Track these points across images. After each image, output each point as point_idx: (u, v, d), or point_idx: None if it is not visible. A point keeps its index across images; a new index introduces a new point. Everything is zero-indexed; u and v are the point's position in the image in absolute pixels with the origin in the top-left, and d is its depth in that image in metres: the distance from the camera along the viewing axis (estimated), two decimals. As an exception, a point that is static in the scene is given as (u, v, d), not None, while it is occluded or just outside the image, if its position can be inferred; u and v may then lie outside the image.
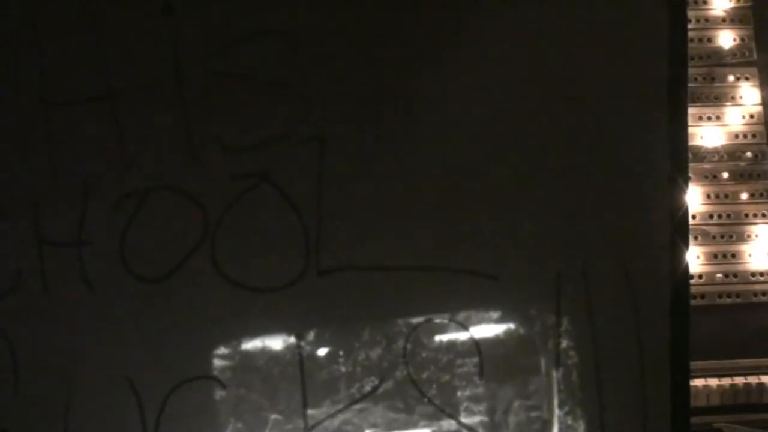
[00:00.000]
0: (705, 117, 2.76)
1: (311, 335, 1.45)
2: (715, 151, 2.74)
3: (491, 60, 1.46)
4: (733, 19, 2.80)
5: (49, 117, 1.43)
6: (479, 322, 1.45)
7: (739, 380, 2.62)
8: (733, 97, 2.78)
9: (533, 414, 1.47)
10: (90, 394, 1.43)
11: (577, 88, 1.46)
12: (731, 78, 2.78)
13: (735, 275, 2.71)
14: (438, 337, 1.45)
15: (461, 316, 1.45)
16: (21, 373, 1.43)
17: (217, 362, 1.44)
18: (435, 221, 1.45)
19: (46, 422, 1.44)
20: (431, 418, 1.46)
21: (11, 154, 1.44)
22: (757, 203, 2.74)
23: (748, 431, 2.53)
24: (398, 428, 1.46)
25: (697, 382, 2.57)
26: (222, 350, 1.44)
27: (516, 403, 1.47)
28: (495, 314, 1.46)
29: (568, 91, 1.46)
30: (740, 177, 2.75)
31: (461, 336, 1.45)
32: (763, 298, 2.70)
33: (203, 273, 1.43)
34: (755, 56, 2.78)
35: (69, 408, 1.43)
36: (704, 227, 2.71)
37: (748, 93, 2.78)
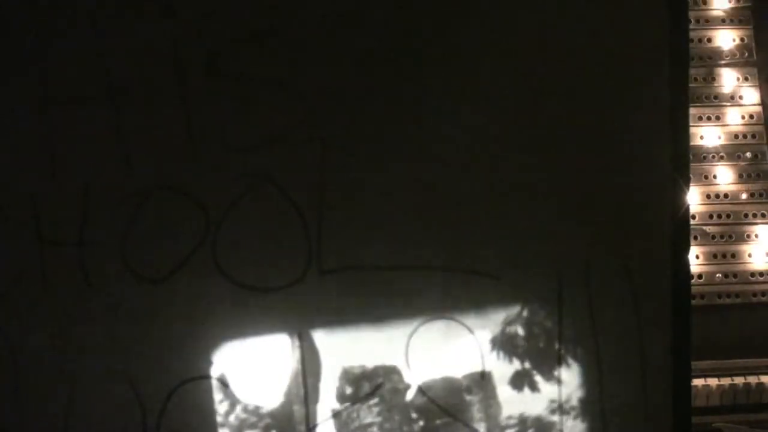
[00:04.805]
0: (705, 117, 2.75)
1: (313, 335, 1.45)
2: (715, 151, 2.74)
3: (492, 61, 1.46)
4: (733, 19, 2.79)
5: (49, 117, 1.43)
6: (481, 321, 1.45)
7: (739, 380, 2.61)
8: (733, 97, 2.77)
9: (533, 413, 1.47)
10: (90, 394, 1.43)
11: (578, 89, 1.46)
12: (731, 78, 2.77)
13: (735, 275, 2.70)
14: (440, 337, 1.45)
15: (463, 315, 1.45)
16: (21, 372, 1.43)
17: (219, 362, 1.44)
18: (437, 221, 1.45)
19: (46, 422, 1.44)
20: (433, 420, 1.46)
21: (11, 154, 1.44)
22: (757, 203, 2.74)
23: (748, 431, 2.53)
24: (399, 429, 1.46)
25: (697, 382, 2.56)
26: (223, 350, 1.44)
27: (515, 399, 1.47)
28: (497, 314, 1.46)
29: (568, 92, 1.46)
30: (740, 177, 2.74)
31: (463, 336, 1.45)
32: (763, 298, 2.69)
33: (204, 273, 1.43)
34: (755, 56, 2.77)
35: (69, 408, 1.43)
36: (704, 227, 2.71)
37: (748, 93, 2.77)
